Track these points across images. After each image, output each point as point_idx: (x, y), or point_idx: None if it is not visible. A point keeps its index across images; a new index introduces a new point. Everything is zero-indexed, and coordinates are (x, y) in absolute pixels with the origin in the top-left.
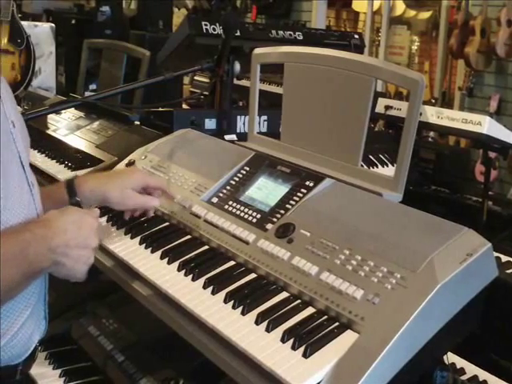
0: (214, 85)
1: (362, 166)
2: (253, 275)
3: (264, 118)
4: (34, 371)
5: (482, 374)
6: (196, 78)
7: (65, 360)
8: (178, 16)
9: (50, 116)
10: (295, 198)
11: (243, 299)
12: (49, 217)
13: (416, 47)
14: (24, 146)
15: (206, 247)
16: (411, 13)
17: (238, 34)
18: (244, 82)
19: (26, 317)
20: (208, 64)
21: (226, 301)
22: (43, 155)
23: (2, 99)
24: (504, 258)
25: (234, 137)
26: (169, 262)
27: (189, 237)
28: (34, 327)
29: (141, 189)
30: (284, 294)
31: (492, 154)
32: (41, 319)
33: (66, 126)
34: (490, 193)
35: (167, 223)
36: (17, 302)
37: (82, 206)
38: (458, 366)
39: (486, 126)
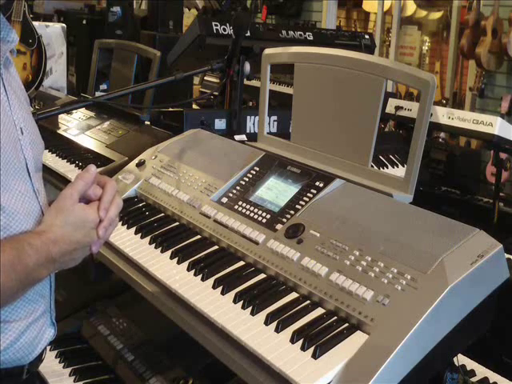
0: (224, 85)
1: (372, 166)
2: (262, 275)
3: (274, 118)
4: (44, 369)
5: (493, 376)
6: (206, 78)
7: (75, 359)
8: (189, 16)
9: (60, 116)
10: (305, 198)
11: (252, 299)
12: (48, 226)
13: (427, 47)
14: (33, 152)
15: (216, 247)
16: (422, 13)
17: (249, 34)
18: (254, 83)
19: (29, 323)
20: (218, 64)
21: (235, 301)
22: (54, 155)
23: (12, 106)
24: None
25: (243, 137)
26: (178, 262)
27: (198, 237)
28: (39, 332)
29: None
30: (293, 295)
31: (503, 155)
32: (47, 325)
33: (76, 125)
34: (501, 194)
35: (177, 223)
36: (19, 308)
37: None
38: (469, 368)
39: (498, 126)
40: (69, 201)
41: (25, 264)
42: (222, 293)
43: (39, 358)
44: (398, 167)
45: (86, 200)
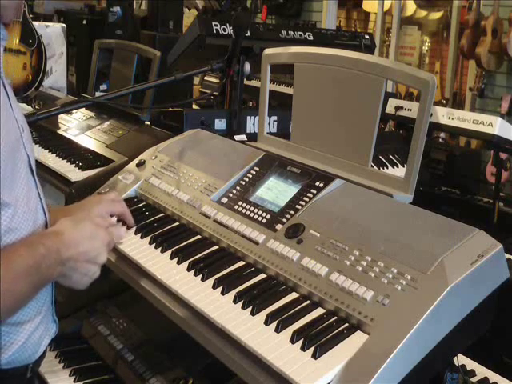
0: (224, 85)
1: (372, 166)
2: (262, 275)
3: (274, 118)
4: (44, 369)
5: (493, 376)
6: (206, 78)
7: (75, 359)
8: (189, 16)
9: (60, 116)
10: (305, 198)
11: (252, 299)
12: (62, 229)
13: (427, 47)
14: (31, 150)
15: (216, 247)
16: (422, 13)
17: (249, 34)
18: (254, 83)
19: (38, 322)
20: (218, 64)
21: (235, 301)
22: (54, 155)
23: (12, 104)
24: None
25: (243, 137)
26: (178, 262)
27: (198, 237)
28: (43, 331)
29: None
30: (293, 295)
31: (503, 155)
32: (50, 323)
33: (76, 125)
34: (501, 194)
35: (177, 223)
36: (29, 308)
37: None
38: (469, 368)
39: (497, 126)
40: (87, 216)
41: (38, 266)
42: (222, 293)
43: (42, 356)
44: (397, 167)
45: None
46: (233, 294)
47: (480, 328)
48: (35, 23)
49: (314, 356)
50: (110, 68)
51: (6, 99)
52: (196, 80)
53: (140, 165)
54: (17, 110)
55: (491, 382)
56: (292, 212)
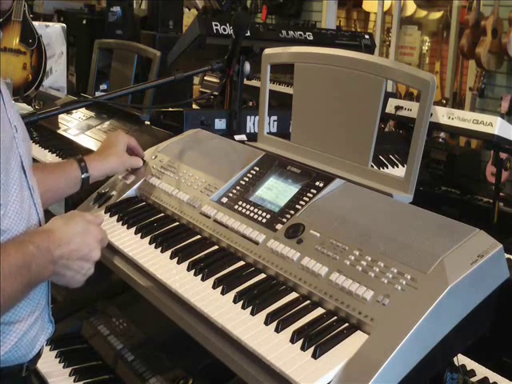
0: (224, 85)
1: (372, 166)
2: (262, 275)
3: (274, 118)
4: (44, 369)
5: (493, 376)
6: (206, 78)
7: (75, 359)
8: (189, 16)
9: (60, 116)
10: (305, 198)
11: (252, 299)
12: (53, 227)
13: (427, 47)
14: (26, 150)
15: (216, 247)
16: (422, 13)
17: (249, 34)
18: (254, 83)
19: (32, 322)
20: (218, 64)
21: (235, 301)
22: (54, 154)
23: (6, 104)
24: None
25: (243, 137)
26: (178, 262)
27: (198, 237)
28: (38, 330)
29: (127, 148)
30: (293, 295)
31: (503, 155)
32: (46, 322)
33: (76, 125)
34: (501, 194)
35: (177, 223)
36: (21, 309)
37: (90, 180)
38: (469, 368)
39: (497, 126)
40: (77, 213)
41: (29, 265)
42: (222, 293)
43: (37, 355)
44: (397, 167)
45: None
46: (233, 293)
47: (480, 328)
48: (35, 23)
49: (314, 356)
50: (110, 68)
51: (0, 99)
52: (196, 80)
53: None
54: (11, 110)
55: (491, 382)
56: (292, 212)
